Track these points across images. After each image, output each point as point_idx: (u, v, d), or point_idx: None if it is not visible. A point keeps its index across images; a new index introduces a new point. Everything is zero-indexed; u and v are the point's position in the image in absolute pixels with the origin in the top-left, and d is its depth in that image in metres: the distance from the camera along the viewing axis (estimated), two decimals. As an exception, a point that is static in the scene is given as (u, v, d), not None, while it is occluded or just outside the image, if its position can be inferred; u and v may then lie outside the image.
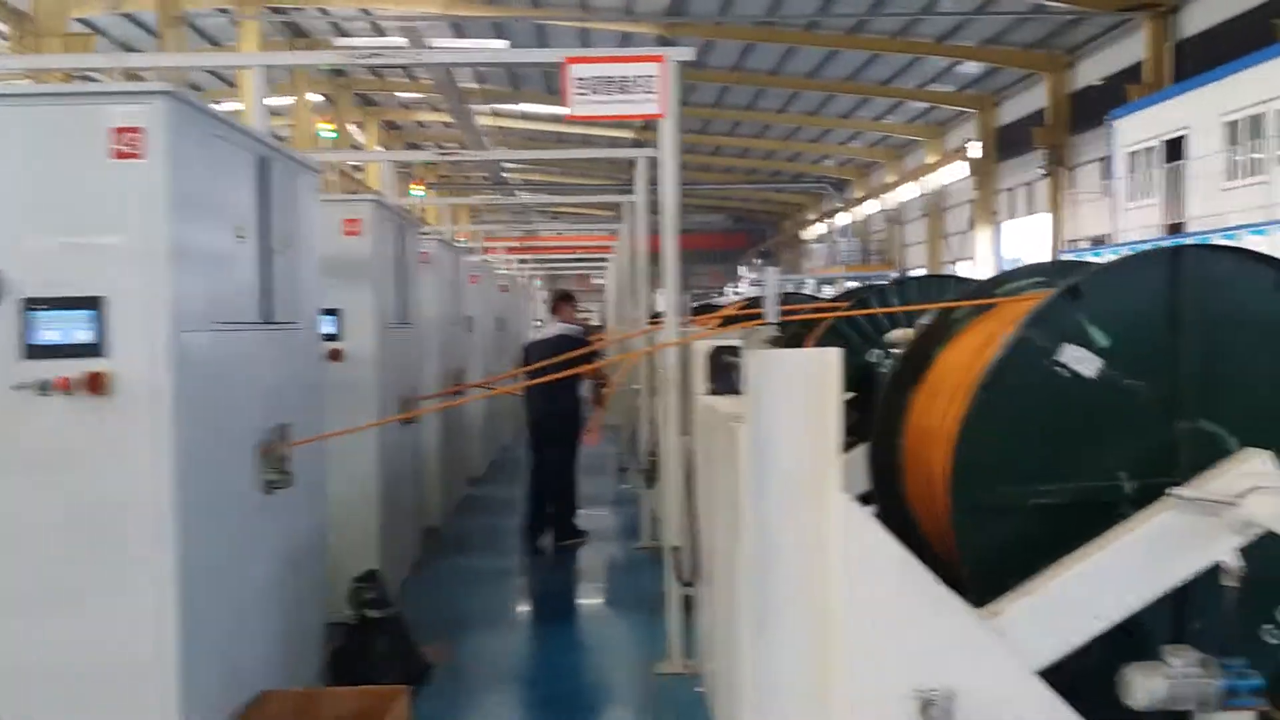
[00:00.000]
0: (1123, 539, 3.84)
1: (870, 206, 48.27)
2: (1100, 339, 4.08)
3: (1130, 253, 4.61)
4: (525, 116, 41.49)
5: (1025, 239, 32.10)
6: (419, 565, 10.07)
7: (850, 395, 7.06)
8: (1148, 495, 4.00)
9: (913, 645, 3.69)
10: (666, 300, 6.77)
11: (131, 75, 20.79)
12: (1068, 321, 4.08)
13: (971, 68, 32.04)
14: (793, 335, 7.68)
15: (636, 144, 28.87)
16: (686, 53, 6.53)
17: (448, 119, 38.17)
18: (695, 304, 14.00)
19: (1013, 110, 33.41)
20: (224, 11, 25.71)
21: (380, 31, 29.68)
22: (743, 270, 56.55)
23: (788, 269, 58.82)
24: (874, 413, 5.37)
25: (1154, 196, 22.59)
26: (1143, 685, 3.79)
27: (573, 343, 10.59)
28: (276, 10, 27.09)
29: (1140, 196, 23.22)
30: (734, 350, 5.70)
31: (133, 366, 4.56)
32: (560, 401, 10.87)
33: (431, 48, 25.91)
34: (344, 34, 30.36)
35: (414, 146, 43.49)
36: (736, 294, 38.15)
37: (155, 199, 4.53)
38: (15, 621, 4.61)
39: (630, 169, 11.28)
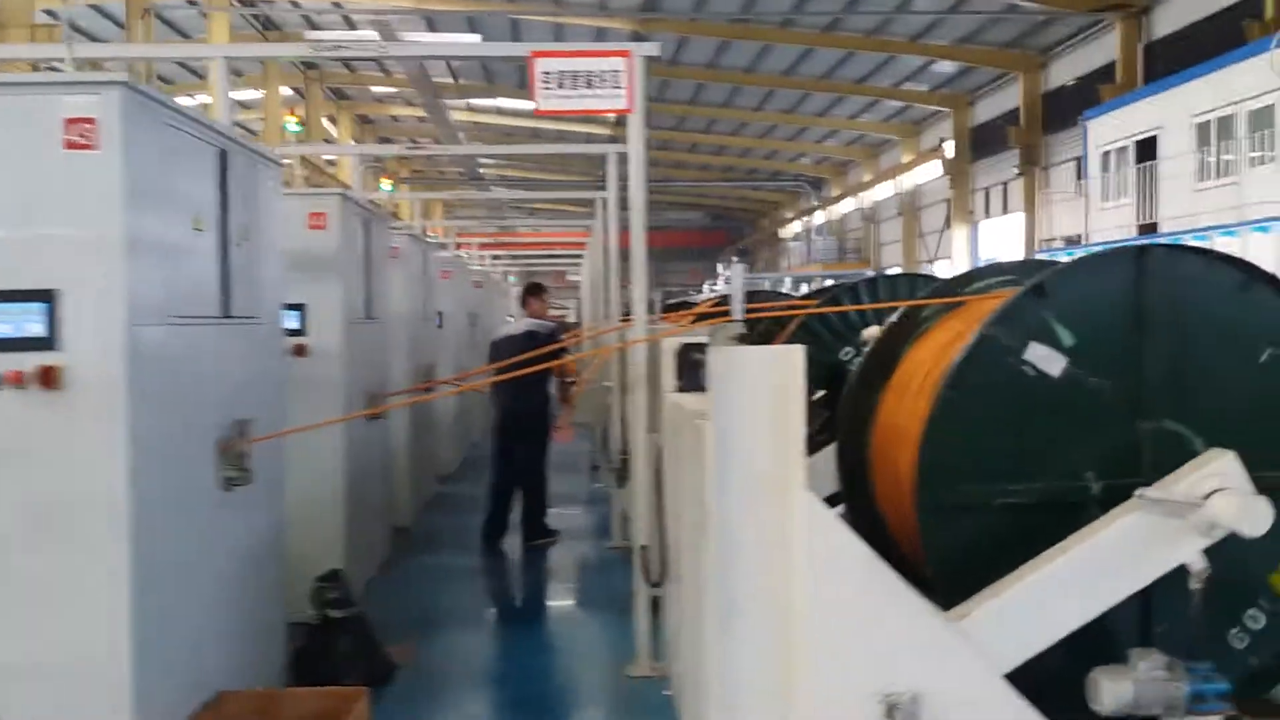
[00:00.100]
0: (1089, 541, 3.80)
1: (847, 205, 48.32)
2: (1066, 338, 4.05)
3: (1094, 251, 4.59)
4: (500, 112, 41.36)
5: (1001, 238, 32.16)
6: (387, 564, 9.99)
7: (821, 394, 7.08)
8: (1114, 495, 3.97)
9: (877, 646, 3.64)
10: (636, 296, 6.71)
11: (95, 67, 20.59)
12: (1033, 320, 4.05)
13: (946, 67, 32.09)
14: (764, 333, 7.64)
15: (612, 140, 28.81)
16: (652, 48, 6.47)
17: (421, 114, 38.02)
18: (672, 301, 13.94)
19: (987, 110, 33.48)
20: (193, 3, 25.49)
21: (352, 25, 29.50)
22: (720, 268, 56.55)
23: (766, 267, 58.95)
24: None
25: (1127, 197, 22.66)
26: (1110, 689, 3.74)
27: (540, 339, 10.48)
28: (246, 3, 26.87)
29: (1113, 197, 23.31)
30: (702, 348, 5.65)
31: (86, 360, 4.48)
32: (527, 399, 10.76)
33: (397, 41, 25.76)
34: (315, 27, 30.15)
35: (387, 141, 43.30)
36: (714, 291, 38.13)
37: (108, 190, 4.45)
38: (-37, 619, 4.52)
39: (603, 165, 11.21)
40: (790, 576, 3.63)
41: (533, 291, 11.48)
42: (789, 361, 3.56)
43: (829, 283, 18.77)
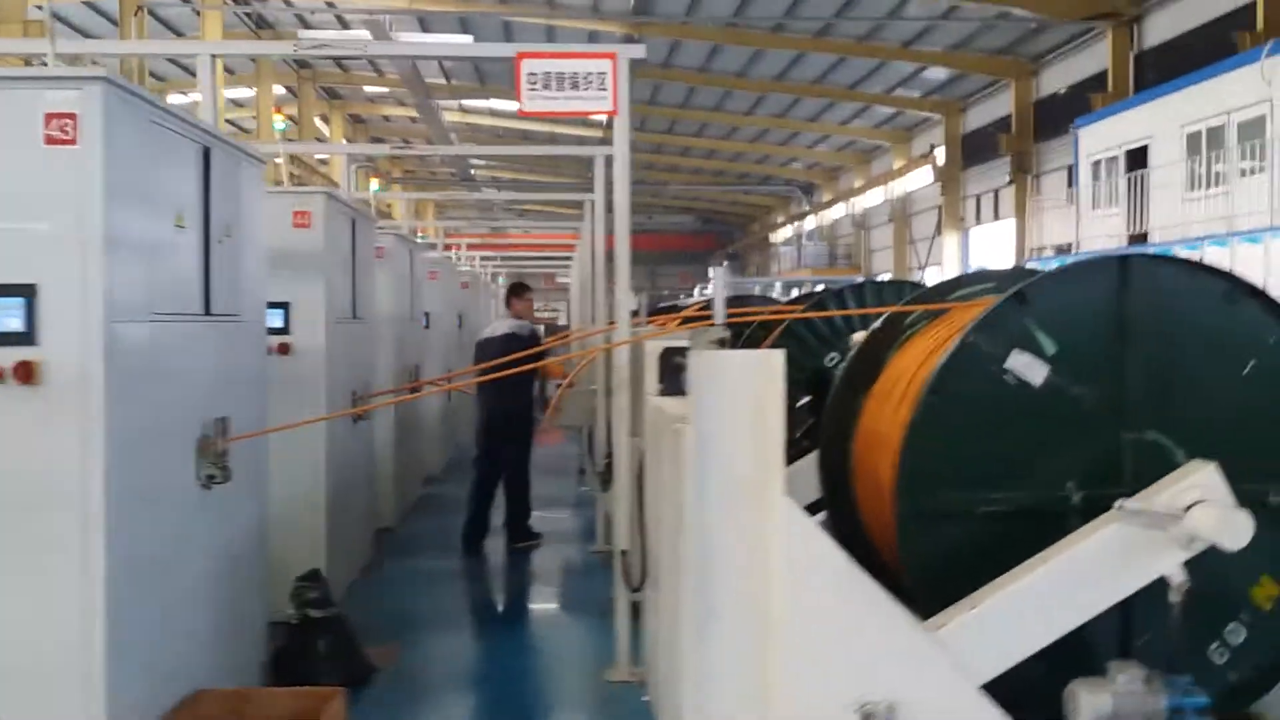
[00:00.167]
0: (1068, 551, 3.79)
1: (838, 210, 48.33)
2: (1048, 346, 4.03)
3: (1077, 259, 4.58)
4: (493, 113, 41.32)
5: (992, 246, 32.17)
6: (371, 566, 9.96)
7: (806, 399, 7.06)
8: (1095, 506, 3.96)
9: (854, 655, 3.62)
10: (619, 299, 6.69)
11: (94, 63, 20.55)
12: (1015, 328, 4.03)
13: (937, 73, 32.10)
14: (751, 338, 7.63)
15: (603, 143, 28.81)
16: (638, 50, 6.47)
17: (414, 114, 37.96)
18: (662, 304, 13.93)
19: (978, 117, 33.49)
20: (186, 1, 25.42)
21: (345, 25, 29.43)
22: (711, 271, 56.49)
23: (756, 272, 58.94)
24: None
25: (1117, 206, 22.67)
26: (1088, 701, 3.73)
27: (521, 342, 10.46)
28: (240, 1, 26.81)
29: (1104, 205, 23.31)
30: (685, 351, 5.62)
31: (64, 356, 4.47)
32: (508, 402, 10.73)
33: (382, 41, 25.75)
34: (308, 26, 30.08)
35: (379, 141, 43.22)
36: (704, 295, 38.08)
37: (88, 186, 4.44)
38: (-62, 614, 4.49)
39: (592, 167, 11.18)
40: (768, 583, 3.61)
41: (516, 292, 11.43)
42: (769, 366, 3.54)
43: (820, 288, 18.76)
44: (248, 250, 6.16)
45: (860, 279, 34.39)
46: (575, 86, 6.21)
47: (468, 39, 29.44)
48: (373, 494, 10.40)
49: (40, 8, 22.47)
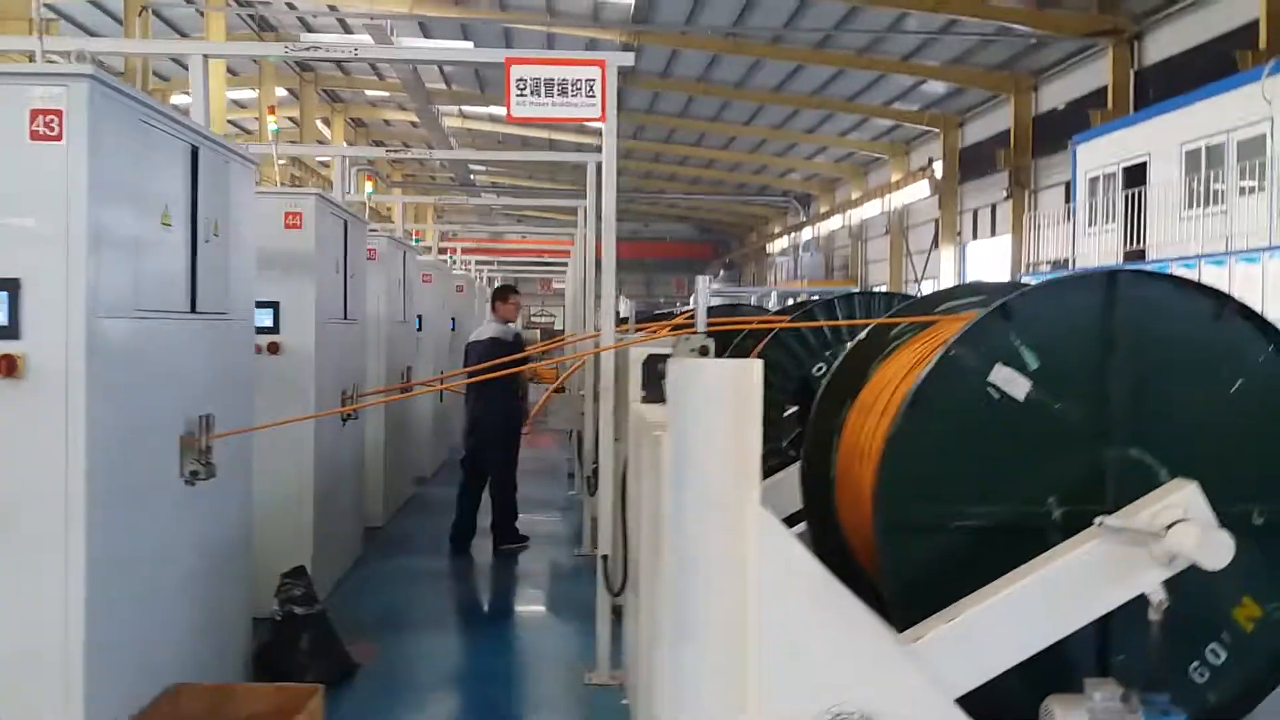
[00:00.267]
0: (1047, 567, 3.76)
1: (834, 222, 48.34)
2: (1031, 361, 4.01)
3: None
4: (492, 119, 41.36)
5: (989, 260, 32.17)
6: (358, 564, 9.96)
7: (793, 409, 7.05)
8: (1076, 522, 3.92)
9: (829, 665, 3.59)
10: (604, 306, 6.70)
11: (96, 61, 20.51)
12: (999, 342, 4.01)
13: (936, 87, 32.13)
14: (740, 347, 7.61)
15: (598, 150, 28.80)
16: (626, 58, 6.47)
17: (414, 118, 37.99)
18: (658, 311, 13.93)
19: (977, 131, 33.52)
20: (190, 2, 25.44)
21: (347, 29, 29.47)
22: (708, 280, 56.51)
23: (753, 281, 58.97)
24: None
25: (1114, 223, 22.66)
26: (1065, 718, 3.71)
27: (505, 347, 10.49)
28: (243, 3, 26.84)
29: (1100, 222, 23.31)
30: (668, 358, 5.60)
31: (46, 350, 4.49)
32: (493, 405, 10.74)
33: (374, 45, 25.84)
34: (311, 30, 30.13)
35: (379, 145, 43.23)
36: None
37: (72, 182, 4.46)
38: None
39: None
40: (744, 593, 3.58)
41: (501, 295, 11.43)
42: (747, 376, 3.52)
43: (815, 298, 18.77)
44: (236, 249, 6.17)
45: (856, 291, 34.41)
46: (564, 93, 6.21)
47: (468, 45, 29.47)
48: (361, 493, 10.42)
49: (49, 6, 22.58)
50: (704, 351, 4.15)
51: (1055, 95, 28.49)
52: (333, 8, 27.78)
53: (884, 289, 35.38)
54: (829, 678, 3.59)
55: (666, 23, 28.15)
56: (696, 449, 3.54)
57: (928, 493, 4.03)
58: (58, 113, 4.43)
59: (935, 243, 36.25)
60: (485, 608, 9.67)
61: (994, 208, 32.31)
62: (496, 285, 12.44)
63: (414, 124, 39.78)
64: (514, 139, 43.45)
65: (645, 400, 5.22)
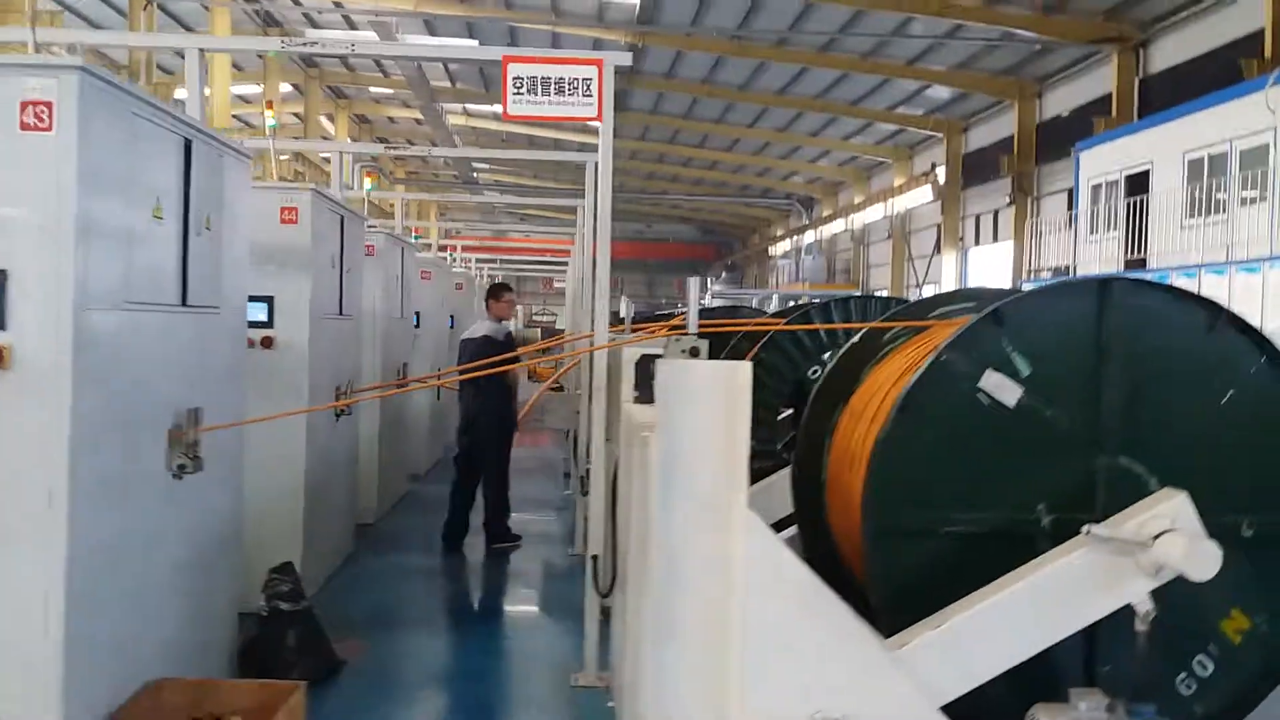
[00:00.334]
0: (1034, 575, 3.74)
1: (837, 225, 48.30)
2: (1023, 367, 3.99)
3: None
4: (496, 118, 41.33)
5: (991, 266, 32.13)
6: (349, 561, 9.94)
7: (789, 412, 7.03)
8: (1064, 530, 3.90)
9: (813, 670, 3.57)
10: (598, 305, 6.68)
11: (101, 56, 20.58)
12: (990, 347, 3.98)
13: (941, 92, 32.09)
14: (735, 348, 7.59)
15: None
16: (624, 57, 6.46)
17: (418, 116, 37.97)
18: (660, 312, 13.91)
19: (980, 137, 33.47)
20: (194, -5, 25.49)
21: (352, 25, 29.46)
22: (709, 281, 56.54)
23: (755, 283, 58.93)
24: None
25: (1116, 230, 22.62)
26: (1048, 726, 3.69)
27: (496, 345, 10.46)
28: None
29: (1103, 229, 23.26)
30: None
31: (32, 341, 4.47)
32: (487, 404, 10.71)
33: (372, 41, 25.81)
34: (316, 25, 30.12)
35: (383, 141, 43.23)
36: (702, 304, 37.98)
37: (61, 173, 4.44)
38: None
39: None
40: (729, 596, 3.56)
41: (495, 293, 11.40)
42: (736, 377, 3.49)
43: (815, 301, 18.74)
44: (229, 243, 6.15)
45: (857, 294, 34.38)
46: (561, 92, 6.19)
47: (472, 43, 29.45)
48: (354, 490, 10.39)
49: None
50: (695, 353, 4.13)
51: (1059, 102, 28.44)
52: (338, 4, 27.78)
53: (885, 293, 35.37)
54: (813, 682, 3.56)
55: (671, 24, 28.13)
56: (684, 450, 3.52)
57: (917, 498, 4.01)
58: (48, 104, 4.42)
59: (937, 248, 36.20)
60: (475, 607, 9.65)
61: (996, 213, 32.25)
62: (490, 284, 12.42)
63: (418, 121, 39.78)
64: (520, 138, 43.43)
65: (637, 401, 5.20)
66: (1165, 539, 3.60)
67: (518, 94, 6.17)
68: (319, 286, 8.30)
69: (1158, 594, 3.71)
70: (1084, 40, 24.82)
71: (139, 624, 5.21)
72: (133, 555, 5.10)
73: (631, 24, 27.82)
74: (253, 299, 7.09)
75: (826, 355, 6.76)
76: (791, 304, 28.91)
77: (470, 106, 40.25)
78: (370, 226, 11.50)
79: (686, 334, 4.39)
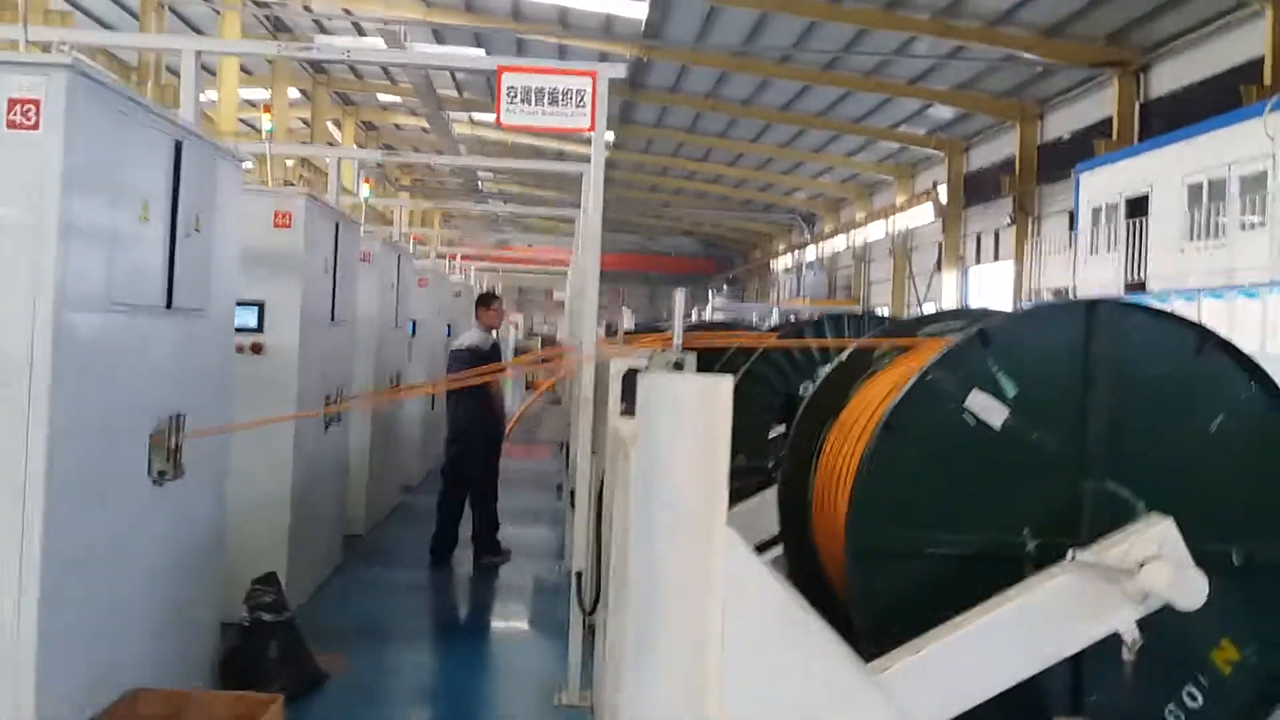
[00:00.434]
0: (1018, 600, 3.69)
1: (838, 242, 48.30)
2: (1009, 388, 3.94)
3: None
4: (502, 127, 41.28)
5: (991, 285, 32.10)
6: (336, 572, 9.86)
7: (780, 429, 6.98)
8: (1049, 554, 3.86)
9: (793, 691, 3.52)
10: (585, 317, 6.64)
11: (103, 53, 20.60)
12: (977, 367, 3.94)
13: (943, 112, 32.10)
14: (729, 364, 7.56)
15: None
16: (618, 69, 6.46)
17: (424, 124, 37.97)
18: (658, 324, 13.85)
19: (982, 157, 33.48)
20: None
21: (361, 32, 29.50)
22: (712, 294, 56.53)
23: (756, 298, 58.90)
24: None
25: (1115, 253, 22.59)
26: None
27: (480, 357, 10.41)
28: (260, 4, 26.86)
29: (1102, 252, 23.23)
30: (648, 373, 5.53)
31: (12, 342, 4.42)
32: (475, 414, 10.63)
33: (368, 49, 25.87)
34: (325, 32, 30.16)
35: (389, 148, 43.22)
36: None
37: (46, 172, 4.39)
38: None
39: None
40: (708, 615, 3.51)
41: (484, 302, 11.35)
42: (716, 392, 3.45)
43: (814, 317, 18.70)
44: (219, 246, 6.10)
45: (859, 311, 34.36)
46: (554, 102, 6.18)
47: (473, 52, 29.50)
48: (343, 500, 10.32)
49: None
50: (679, 367, 4.09)
51: (1061, 124, 28.46)
52: (348, 11, 27.80)
53: (886, 310, 35.36)
54: (791, 703, 3.52)
55: (677, 39, 28.17)
56: (664, 464, 3.47)
57: (901, 518, 3.96)
58: (35, 102, 4.38)
59: (938, 266, 36.19)
60: (461, 622, 9.58)
61: (997, 233, 32.23)
62: (479, 293, 12.36)
63: (424, 129, 39.80)
64: (525, 148, 43.45)
65: (624, 414, 5.16)
66: (1151, 566, 3.55)
67: (511, 103, 6.17)
68: (311, 292, 8.25)
69: (1146, 622, 3.66)
70: (1085, 64, 24.85)
71: (117, 632, 5.15)
72: (110, 561, 5.03)
73: (637, 38, 27.85)
74: (243, 304, 7.04)
75: (819, 370, 6.73)
76: (793, 319, 28.90)
77: (476, 116, 40.29)
78: (367, 233, 11.46)
79: (669, 348, 4.35)
